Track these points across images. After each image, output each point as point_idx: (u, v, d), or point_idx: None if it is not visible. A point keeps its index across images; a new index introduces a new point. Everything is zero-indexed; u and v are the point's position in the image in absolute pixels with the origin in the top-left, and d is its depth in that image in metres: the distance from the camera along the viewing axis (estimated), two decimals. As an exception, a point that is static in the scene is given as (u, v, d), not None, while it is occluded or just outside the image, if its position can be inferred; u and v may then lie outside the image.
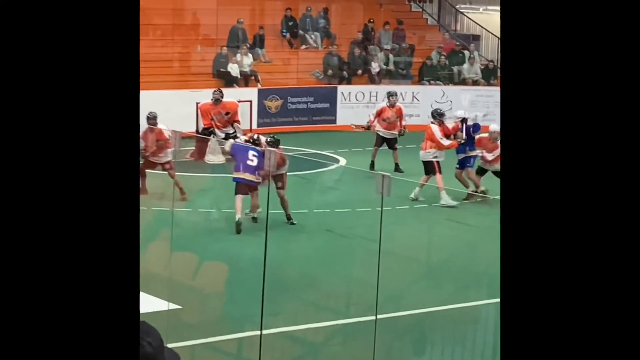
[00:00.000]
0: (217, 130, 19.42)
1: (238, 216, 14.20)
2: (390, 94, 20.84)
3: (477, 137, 17.38)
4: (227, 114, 19.57)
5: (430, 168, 16.80)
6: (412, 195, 16.53)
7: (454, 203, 16.15)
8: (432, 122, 17.39)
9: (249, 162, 14.85)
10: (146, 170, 15.92)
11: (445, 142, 16.96)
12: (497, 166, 16.54)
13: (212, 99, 19.60)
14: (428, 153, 16.94)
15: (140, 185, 15.47)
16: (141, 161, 15.58)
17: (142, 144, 15.86)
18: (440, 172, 16.75)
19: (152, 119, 16.39)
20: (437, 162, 16.76)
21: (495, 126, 17.27)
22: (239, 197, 14.46)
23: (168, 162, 15.91)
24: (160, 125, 16.37)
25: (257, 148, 15.16)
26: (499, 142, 16.70)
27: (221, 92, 19.92)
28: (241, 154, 14.94)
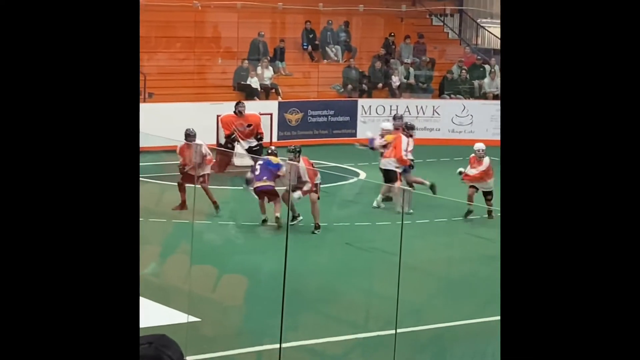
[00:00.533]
0: (241, 142, 19.55)
1: (264, 215, 15.25)
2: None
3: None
4: (249, 126, 19.65)
5: (392, 176, 17.09)
6: (374, 204, 16.86)
7: (410, 211, 16.26)
8: (402, 134, 17.74)
9: (256, 173, 15.73)
10: (186, 185, 16.02)
11: (406, 156, 17.30)
12: (485, 185, 16.68)
13: (235, 111, 19.70)
14: (390, 162, 17.23)
15: (180, 200, 15.92)
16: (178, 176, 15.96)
17: (180, 160, 16.45)
18: (400, 181, 17.12)
19: (191, 136, 16.71)
20: (399, 172, 17.19)
21: (480, 144, 17.36)
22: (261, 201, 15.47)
23: (203, 176, 16.13)
24: (198, 141, 16.61)
25: (267, 158, 16.31)
26: (484, 159, 16.81)
27: (244, 104, 20.07)
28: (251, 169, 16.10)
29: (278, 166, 15.94)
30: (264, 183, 15.60)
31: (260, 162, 16.27)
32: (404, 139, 17.41)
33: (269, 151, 16.94)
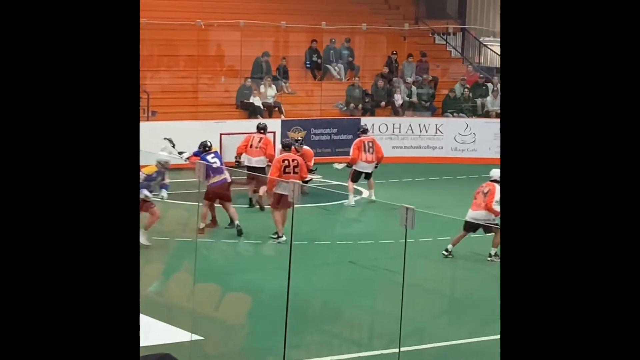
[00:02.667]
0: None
1: (203, 224, 15.12)
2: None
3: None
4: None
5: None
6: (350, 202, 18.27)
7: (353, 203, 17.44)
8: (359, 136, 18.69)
9: (213, 166, 15.63)
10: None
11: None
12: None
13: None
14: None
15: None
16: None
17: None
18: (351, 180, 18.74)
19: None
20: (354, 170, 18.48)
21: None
22: (207, 203, 15.27)
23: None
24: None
25: (214, 151, 16.59)
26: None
27: (301, 140, 20.66)
28: (205, 163, 15.57)
29: (218, 156, 16.31)
30: (225, 175, 15.67)
31: (212, 154, 16.36)
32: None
33: (209, 145, 16.84)
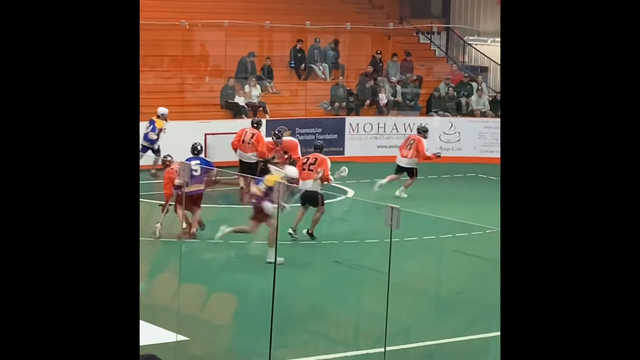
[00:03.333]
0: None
1: (185, 225, 14.91)
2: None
3: None
4: (285, 152, 19.72)
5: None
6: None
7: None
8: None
9: (194, 173, 15.39)
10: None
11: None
12: None
13: (273, 138, 19.66)
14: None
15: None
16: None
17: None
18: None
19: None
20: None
21: None
22: (180, 207, 15.10)
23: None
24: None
25: (201, 156, 16.30)
26: None
27: (284, 127, 20.48)
28: (187, 169, 15.30)
29: (212, 166, 16.03)
30: (201, 187, 15.60)
31: (197, 160, 16.05)
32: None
33: (198, 149, 16.74)
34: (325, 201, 18.75)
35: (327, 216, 16.54)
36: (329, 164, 16.29)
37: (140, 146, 20.50)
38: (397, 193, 20.08)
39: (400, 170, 20.68)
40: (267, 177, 14.71)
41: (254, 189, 14.68)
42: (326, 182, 16.16)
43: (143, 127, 20.87)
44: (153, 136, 21.19)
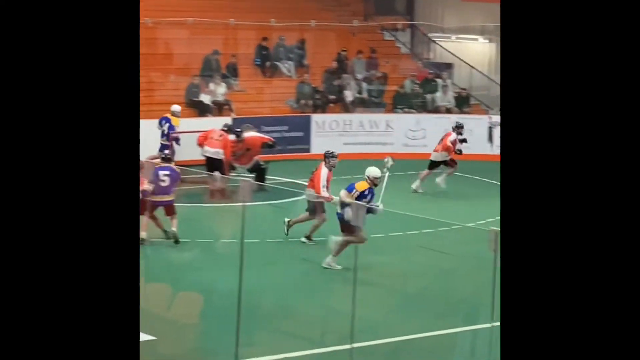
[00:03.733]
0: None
1: (143, 233, 14.41)
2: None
3: None
4: (248, 150, 19.69)
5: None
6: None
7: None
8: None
9: (161, 184, 15.10)
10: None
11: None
12: None
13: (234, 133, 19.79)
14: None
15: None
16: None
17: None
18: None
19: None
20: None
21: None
22: (148, 215, 14.75)
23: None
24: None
25: (169, 165, 15.57)
26: None
27: (248, 126, 20.46)
28: (155, 177, 15.19)
29: (179, 176, 15.54)
30: (170, 198, 15.19)
31: (167, 171, 15.34)
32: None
33: (165, 155, 16.51)
34: (292, 199, 18.73)
35: (294, 214, 16.52)
36: (324, 178, 15.70)
37: (160, 145, 21.08)
38: (438, 180, 21.25)
39: (432, 165, 21.58)
40: (357, 183, 14.41)
41: (344, 196, 14.31)
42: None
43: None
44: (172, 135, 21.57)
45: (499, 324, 10.69)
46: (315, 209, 15.66)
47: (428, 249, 15.31)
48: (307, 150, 25.51)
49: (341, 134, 26.00)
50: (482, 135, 26.99)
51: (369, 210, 13.63)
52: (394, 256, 15.30)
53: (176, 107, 22.08)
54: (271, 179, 20.90)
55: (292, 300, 12.88)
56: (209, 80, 25.38)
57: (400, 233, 16.13)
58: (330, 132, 25.91)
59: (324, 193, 15.41)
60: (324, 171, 15.73)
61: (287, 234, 15.65)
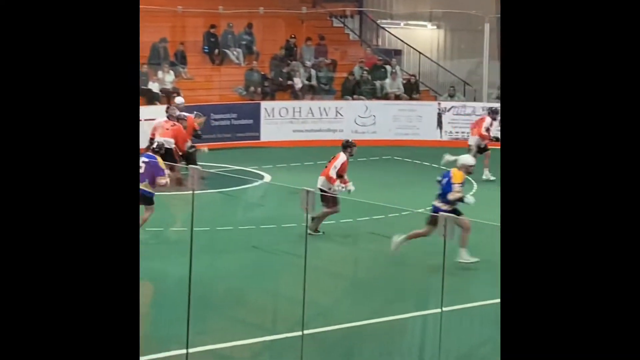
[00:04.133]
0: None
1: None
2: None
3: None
4: (173, 125, 19.68)
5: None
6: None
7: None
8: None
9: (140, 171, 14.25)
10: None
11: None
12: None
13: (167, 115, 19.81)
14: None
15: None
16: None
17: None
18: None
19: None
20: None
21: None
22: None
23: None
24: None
25: (149, 154, 14.92)
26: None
27: (173, 108, 20.26)
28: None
29: (162, 172, 14.61)
30: (142, 187, 14.13)
31: (145, 159, 14.60)
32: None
33: (155, 146, 15.55)
34: (242, 187, 18.71)
35: (243, 201, 16.51)
36: (339, 162, 15.47)
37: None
38: (484, 177, 20.87)
39: (481, 150, 21.43)
40: (452, 173, 13.81)
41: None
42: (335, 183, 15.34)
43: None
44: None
45: (449, 308, 10.81)
46: (329, 200, 15.32)
47: (378, 235, 15.36)
48: (257, 138, 25.50)
49: (291, 121, 26.01)
50: (431, 121, 27.12)
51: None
52: (344, 243, 15.35)
53: (180, 100, 22.31)
54: (221, 166, 20.86)
55: (243, 287, 12.88)
56: (157, 68, 25.24)
57: (351, 220, 16.18)
58: (279, 120, 25.90)
59: (332, 175, 15.35)
60: (341, 158, 15.63)
61: (321, 232, 15.27)
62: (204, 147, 20.15)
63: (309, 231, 14.75)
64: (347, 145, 15.84)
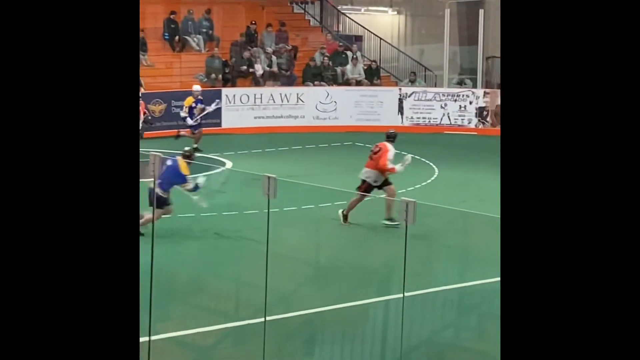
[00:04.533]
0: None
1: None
2: None
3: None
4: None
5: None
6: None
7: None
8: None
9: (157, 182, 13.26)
10: None
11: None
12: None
13: None
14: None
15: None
16: None
17: None
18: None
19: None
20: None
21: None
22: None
23: None
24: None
25: (175, 158, 14.38)
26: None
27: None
28: (161, 163, 13.75)
29: (184, 179, 14.01)
30: (157, 190, 13.23)
31: (169, 162, 14.02)
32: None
33: (186, 151, 14.91)
34: (203, 173, 18.68)
35: (205, 188, 16.48)
36: (390, 154, 15.41)
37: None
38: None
39: None
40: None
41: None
42: (388, 173, 15.32)
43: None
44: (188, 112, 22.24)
45: (411, 293, 10.87)
46: (380, 185, 15.43)
47: (339, 221, 15.39)
48: (218, 125, 25.44)
49: (252, 108, 25.97)
50: (393, 107, 27.18)
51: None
52: (306, 229, 15.38)
53: (196, 87, 22.93)
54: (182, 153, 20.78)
55: (205, 274, 12.88)
56: (117, 55, 25.11)
57: (312, 206, 16.21)
58: (240, 106, 25.85)
59: (390, 165, 15.33)
60: (391, 148, 15.61)
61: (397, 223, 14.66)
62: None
63: (387, 223, 14.75)
64: (392, 136, 15.98)
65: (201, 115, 22.42)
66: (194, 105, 22.44)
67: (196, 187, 14.16)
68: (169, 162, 13.96)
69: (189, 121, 22.33)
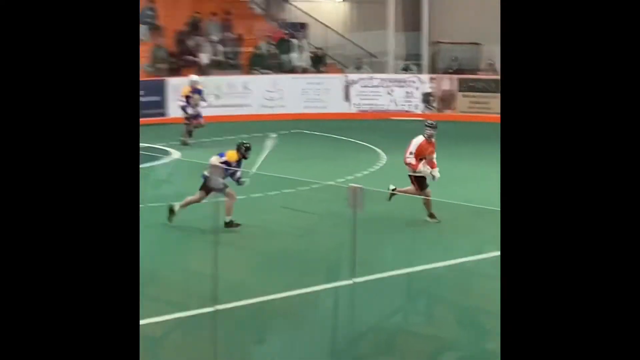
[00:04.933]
0: None
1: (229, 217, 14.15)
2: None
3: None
4: None
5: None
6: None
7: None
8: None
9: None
10: None
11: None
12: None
13: None
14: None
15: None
16: None
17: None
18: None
19: None
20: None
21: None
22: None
23: None
24: None
25: (222, 152, 14.71)
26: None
27: None
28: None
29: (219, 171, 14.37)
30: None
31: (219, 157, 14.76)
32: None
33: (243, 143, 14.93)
34: (149, 164, 18.61)
35: (152, 178, 16.41)
36: (414, 146, 14.86)
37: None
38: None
39: None
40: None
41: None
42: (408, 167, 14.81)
43: None
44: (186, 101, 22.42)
45: (360, 279, 10.90)
46: (413, 183, 14.87)
47: (289, 209, 15.41)
48: (164, 115, 25.31)
49: (198, 97, 25.85)
50: (339, 94, 27.22)
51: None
52: (254, 217, 15.36)
53: (194, 77, 22.96)
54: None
55: (154, 264, 12.81)
56: (60, 45, 24.89)
57: (261, 194, 16.19)
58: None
59: (410, 160, 14.83)
60: (416, 140, 14.98)
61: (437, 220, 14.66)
62: None
63: (429, 219, 14.62)
64: (426, 126, 15.20)
65: (196, 106, 22.34)
66: (190, 95, 22.40)
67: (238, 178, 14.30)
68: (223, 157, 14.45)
69: (189, 110, 22.32)
